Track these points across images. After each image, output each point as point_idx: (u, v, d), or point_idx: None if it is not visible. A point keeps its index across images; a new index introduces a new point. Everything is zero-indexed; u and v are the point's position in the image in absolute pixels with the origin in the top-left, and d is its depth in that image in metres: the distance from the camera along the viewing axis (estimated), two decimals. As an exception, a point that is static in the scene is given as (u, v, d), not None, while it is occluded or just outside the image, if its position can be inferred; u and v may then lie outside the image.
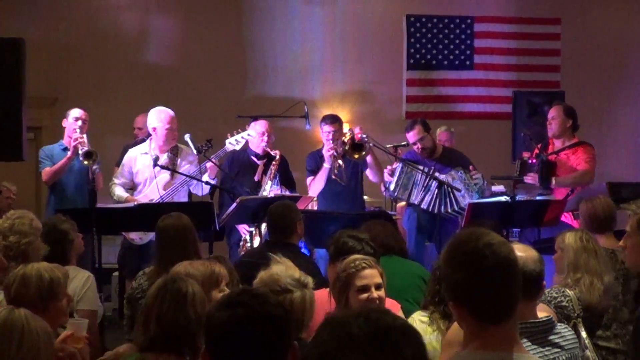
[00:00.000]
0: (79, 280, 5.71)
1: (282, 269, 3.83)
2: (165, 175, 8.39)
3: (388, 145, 9.43)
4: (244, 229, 8.53)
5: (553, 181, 8.68)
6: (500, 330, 2.78)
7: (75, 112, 8.95)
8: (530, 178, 8.62)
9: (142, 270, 5.96)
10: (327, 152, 8.66)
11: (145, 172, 8.36)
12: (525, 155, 8.99)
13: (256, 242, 8.11)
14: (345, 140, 8.65)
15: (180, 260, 5.56)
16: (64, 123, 9.02)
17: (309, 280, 3.89)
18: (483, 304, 2.78)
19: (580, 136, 9.18)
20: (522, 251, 3.63)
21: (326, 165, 8.68)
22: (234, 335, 2.70)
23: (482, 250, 2.79)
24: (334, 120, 8.90)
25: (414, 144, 8.86)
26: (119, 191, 8.44)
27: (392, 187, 8.62)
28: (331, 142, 8.71)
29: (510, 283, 2.81)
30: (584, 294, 5.32)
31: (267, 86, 12.80)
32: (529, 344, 3.44)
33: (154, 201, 8.21)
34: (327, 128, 8.81)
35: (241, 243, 8.53)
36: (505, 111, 11.91)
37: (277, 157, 8.68)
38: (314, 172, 8.88)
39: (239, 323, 2.70)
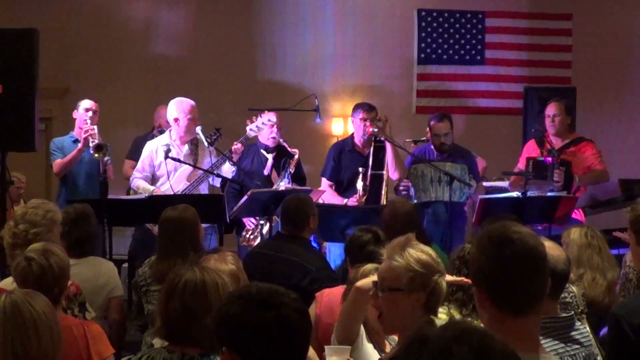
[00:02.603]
0: (110, 269, 5.96)
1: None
2: (189, 166, 8.32)
3: (407, 140, 9.42)
4: (249, 221, 8.53)
5: (576, 179, 8.65)
6: (519, 325, 2.76)
7: (86, 103, 8.95)
8: (557, 175, 8.53)
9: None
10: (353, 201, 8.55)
11: (169, 164, 8.28)
12: (534, 155, 8.92)
13: (264, 231, 8.27)
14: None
15: (177, 253, 5.68)
16: (75, 114, 9.02)
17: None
18: (504, 291, 2.77)
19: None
20: (555, 250, 3.62)
21: (345, 202, 8.59)
22: (275, 336, 2.70)
23: (509, 236, 2.79)
24: (371, 108, 8.81)
25: (438, 135, 8.79)
26: (144, 184, 8.31)
27: (413, 195, 8.60)
28: (365, 130, 8.63)
29: (533, 275, 2.80)
30: (586, 290, 5.32)
31: (277, 79, 12.81)
32: (551, 340, 3.43)
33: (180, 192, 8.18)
34: (363, 115, 8.71)
35: (243, 233, 8.53)
36: (516, 106, 11.92)
37: (296, 156, 8.64)
38: (332, 173, 8.82)
39: (282, 323, 2.70)
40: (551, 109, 8.98)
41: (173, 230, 5.83)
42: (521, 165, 9.10)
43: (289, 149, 8.67)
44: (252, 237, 8.50)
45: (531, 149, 9.13)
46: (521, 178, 8.84)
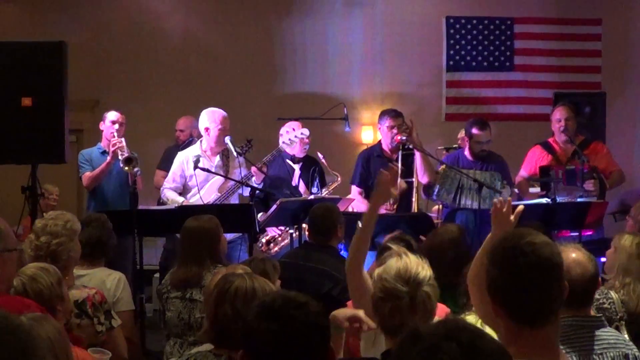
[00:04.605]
0: (112, 282, 5.78)
1: (390, 268, 3.56)
2: (220, 177, 8.35)
3: (439, 147, 9.39)
4: (272, 228, 8.56)
5: (607, 185, 8.66)
6: (537, 336, 2.76)
7: (112, 116, 8.96)
8: (591, 184, 8.51)
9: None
10: (384, 209, 8.53)
11: (201, 175, 8.29)
12: (544, 163, 8.86)
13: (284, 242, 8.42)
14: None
15: (195, 262, 5.77)
16: (101, 126, 9.02)
17: (424, 275, 3.52)
18: (519, 303, 2.77)
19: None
20: (585, 263, 3.60)
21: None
22: (279, 347, 2.74)
23: (522, 248, 2.78)
24: (398, 114, 8.77)
25: (480, 143, 8.77)
26: (173, 195, 8.34)
27: (436, 191, 8.53)
28: (393, 139, 8.62)
29: (548, 286, 2.79)
30: (630, 301, 5.24)
31: (306, 88, 12.83)
32: (577, 336, 3.44)
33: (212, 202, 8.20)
34: (390, 122, 8.69)
35: (262, 239, 8.57)
36: (545, 112, 11.83)
37: (339, 179, 8.65)
38: (361, 180, 8.82)
39: (284, 336, 2.73)
40: (562, 113, 8.89)
41: (192, 239, 5.91)
42: (526, 171, 9.05)
43: (330, 170, 8.67)
44: (271, 244, 8.54)
45: (538, 155, 9.05)
46: (527, 184, 8.84)
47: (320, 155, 8.75)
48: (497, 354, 1.91)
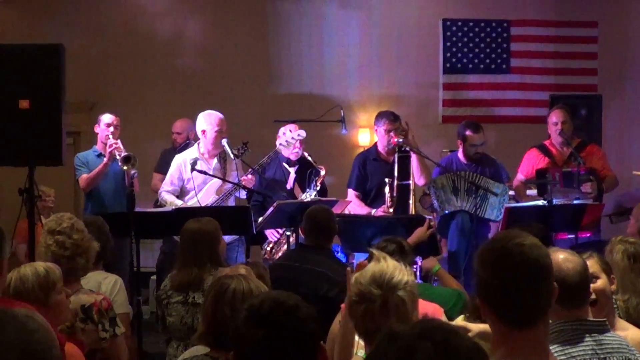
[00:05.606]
0: (107, 285, 5.75)
1: (366, 271, 3.44)
2: (218, 180, 8.35)
3: (444, 150, 9.40)
4: (271, 233, 8.54)
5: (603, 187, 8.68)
6: (526, 337, 2.75)
7: (106, 118, 8.99)
8: (589, 187, 8.53)
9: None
10: (381, 211, 8.56)
11: (198, 178, 8.29)
12: (541, 165, 8.88)
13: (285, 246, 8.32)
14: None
15: (195, 264, 5.75)
16: (96, 129, 9.06)
17: (399, 280, 3.40)
18: (507, 305, 2.75)
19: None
20: (568, 263, 3.59)
21: (373, 212, 8.58)
22: (266, 353, 2.76)
23: (510, 249, 2.76)
24: (395, 117, 8.76)
25: (474, 145, 8.79)
26: (172, 198, 8.35)
27: (438, 208, 8.54)
28: (390, 141, 8.63)
29: (537, 287, 2.77)
30: (632, 315, 5.20)
31: (303, 90, 12.83)
32: (581, 341, 3.43)
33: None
34: (387, 126, 8.69)
35: (265, 246, 8.56)
36: (541, 115, 11.86)
37: (323, 173, 8.64)
38: (357, 183, 8.84)
39: (271, 342, 2.75)
40: (558, 116, 8.88)
41: (192, 241, 5.89)
42: (523, 175, 9.05)
43: (315, 165, 8.66)
44: (274, 250, 8.53)
45: (535, 157, 9.06)
46: (525, 188, 8.85)
47: (305, 153, 8.73)
48: (472, 352, 1.92)
